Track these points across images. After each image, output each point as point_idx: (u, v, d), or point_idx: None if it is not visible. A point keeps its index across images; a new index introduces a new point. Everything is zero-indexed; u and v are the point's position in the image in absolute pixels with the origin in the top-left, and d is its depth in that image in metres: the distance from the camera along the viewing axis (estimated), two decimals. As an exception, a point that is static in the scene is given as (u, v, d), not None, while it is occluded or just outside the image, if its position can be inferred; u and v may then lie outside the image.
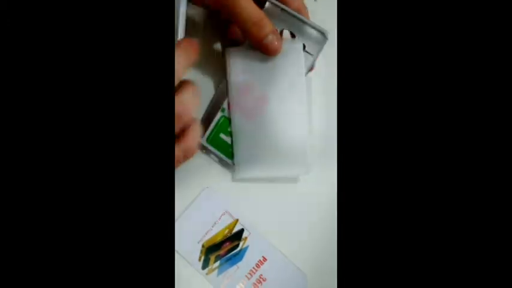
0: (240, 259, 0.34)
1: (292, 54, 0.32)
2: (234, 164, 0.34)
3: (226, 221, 0.34)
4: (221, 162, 0.35)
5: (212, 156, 0.35)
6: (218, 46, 0.37)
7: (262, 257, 0.34)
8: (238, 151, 0.33)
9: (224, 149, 0.34)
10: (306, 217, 0.34)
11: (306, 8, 0.33)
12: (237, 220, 0.34)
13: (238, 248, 0.34)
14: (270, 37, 0.30)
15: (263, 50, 0.31)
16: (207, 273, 0.33)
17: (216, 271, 0.33)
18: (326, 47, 0.32)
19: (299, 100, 0.32)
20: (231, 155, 0.34)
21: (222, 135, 0.34)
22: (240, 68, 0.33)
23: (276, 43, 0.30)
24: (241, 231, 0.34)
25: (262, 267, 0.34)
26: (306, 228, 0.34)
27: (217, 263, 0.34)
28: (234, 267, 0.34)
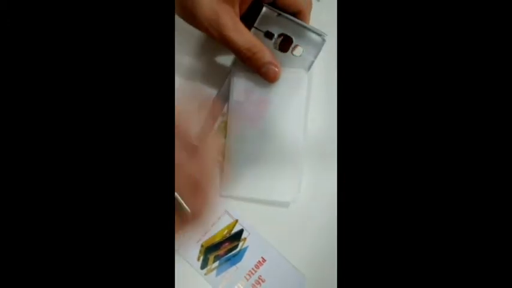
0: (239, 259, 0.34)
1: (294, 84, 0.33)
2: None
3: (226, 221, 0.34)
4: None
5: None
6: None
7: (262, 257, 0.34)
8: (230, 170, 0.33)
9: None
10: (305, 219, 0.34)
11: (311, 5, 0.33)
12: (237, 220, 0.34)
13: (238, 249, 0.34)
14: (266, 67, 0.31)
15: (262, 77, 0.32)
16: (205, 273, 0.33)
17: (214, 271, 0.33)
18: (327, 47, 0.32)
19: (296, 127, 0.33)
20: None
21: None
22: (242, 88, 0.33)
23: (274, 71, 0.31)
24: (241, 231, 0.34)
25: (261, 268, 0.33)
26: (306, 230, 0.34)
27: (216, 263, 0.34)
28: (233, 267, 0.34)
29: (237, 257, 0.34)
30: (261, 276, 0.33)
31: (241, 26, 0.30)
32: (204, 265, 0.33)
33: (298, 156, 0.33)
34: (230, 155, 0.33)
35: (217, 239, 0.34)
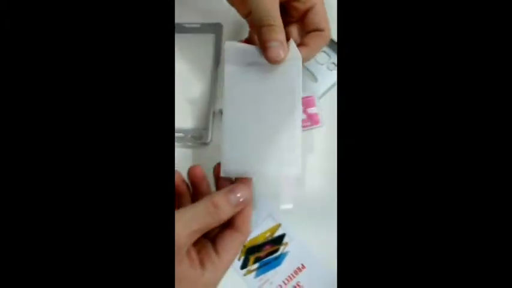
0: (279, 264, 0.34)
1: (292, 68, 0.31)
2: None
3: (269, 223, 0.35)
4: None
5: None
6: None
7: (301, 264, 0.34)
8: (227, 145, 0.31)
9: None
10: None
11: (327, 21, 0.33)
12: (280, 224, 0.35)
13: (278, 252, 0.34)
14: (275, 44, 0.29)
15: (265, 53, 0.30)
16: (244, 274, 0.34)
17: (254, 273, 0.34)
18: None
19: (293, 103, 0.31)
20: None
21: None
22: (238, 61, 0.31)
23: (279, 52, 0.29)
24: (283, 236, 0.34)
25: (300, 274, 0.34)
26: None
27: (256, 265, 0.34)
28: (272, 271, 0.34)
29: (277, 261, 0.34)
30: (299, 283, 0.33)
31: (276, 0, 0.30)
32: (244, 265, 0.34)
33: (296, 130, 0.31)
34: (226, 132, 0.31)
35: (259, 241, 0.34)
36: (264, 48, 0.30)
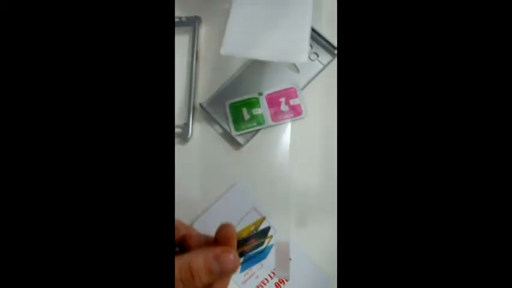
0: (265, 257, 0.34)
1: None
2: (231, 132, 0.37)
3: (253, 217, 0.34)
4: (223, 133, 0.38)
5: (216, 127, 0.38)
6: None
7: (287, 256, 0.34)
8: (232, 24, 0.30)
9: (234, 119, 0.37)
10: (332, 219, 0.34)
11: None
12: (264, 217, 0.34)
13: (263, 246, 0.34)
14: None
15: None
16: (230, 269, 0.33)
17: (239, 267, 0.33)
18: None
19: None
20: (235, 127, 0.37)
21: (244, 111, 0.36)
22: None
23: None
24: (268, 229, 0.34)
25: (286, 267, 0.33)
26: (333, 230, 0.34)
27: (241, 259, 0.33)
28: (258, 265, 0.34)
29: (263, 255, 0.34)
30: (285, 275, 0.33)
31: None
32: (229, 260, 0.33)
33: (306, 12, 0.29)
34: (234, 12, 0.30)
35: (244, 235, 0.34)
36: None
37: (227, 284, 0.25)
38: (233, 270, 0.24)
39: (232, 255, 0.24)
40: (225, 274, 0.24)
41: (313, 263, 0.34)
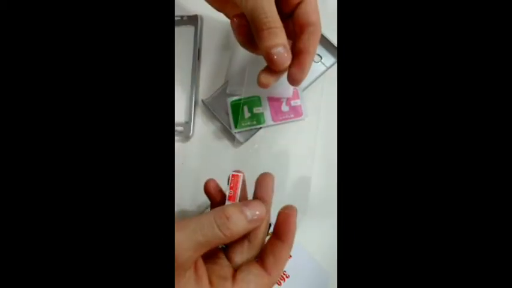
0: (265, 254, 0.34)
1: None
2: (230, 129, 0.38)
3: (255, 215, 0.35)
4: (223, 130, 0.38)
5: (217, 124, 0.39)
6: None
7: (287, 253, 0.34)
8: (233, 69, 0.38)
9: (235, 117, 0.38)
10: (332, 217, 0.35)
11: (318, 13, 0.30)
12: (265, 215, 0.35)
13: (264, 243, 0.34)
14: (278, 49, 0.27)
15: (268, 60, 0.27)
16: (231, 266, 0.34)
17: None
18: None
19: None
20: (236, 125, 0.38)
21: (245, 109, 0.37)
22: None
23: (284, 57, 0.27)
24: (269, 226, 0.35)
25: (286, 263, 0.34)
26: (332, 228, 0.35)
27: (243, 256, 0.34)
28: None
29: (263, 251, 0.34)
30: (285, 271, 0.34)
31: (273, 3, 0.27)
32: (230, 257, 0.34)
33: None
34: (234, 59, 0.37)
35: (245, 232, 0.34)
36: (267, 55, 0.27)
37: (280, 259, 0.26)
38: (261, 218, 0.25)
39: (259, 202, 0.25)
40: (256, 220, 0.25)
41: (313, 259, 0.34)
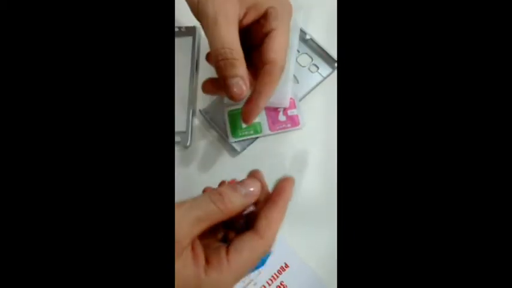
0: (262, 264, 0.34)
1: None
2: (228, 139, 0.38)
3: (252, 224, 0.35)
4: (221, 139, 0.39)
5: (214, 133, 0.39)
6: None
7: (285, 263, 0.34)
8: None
9: (232, 126, 0.38)
10: (331, 228, 0.35)
11: (282, 50, 0.29)
12: (262, 225, 0.35)
13: (262, 253, 0.34)
14: (236, 80, 0.26)
15: (225, 90, 0.27)
16: (228, 276, 0.33)
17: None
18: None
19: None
20: (233, 134, 0.38)
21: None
22: None
23: (241, 88, 0.26)
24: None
25: (284, 273, 0.34)
26: (331, 239, 0.35)
27: (240, 266, 0.34)
28: (256, 272, 0.34)
29: (261, 262, 0.34)
30: (282, 282, 0.34)
31: (233, 28, 0.26)
32: (227, 267, 0.34)
33: (289, 67, 0.37)
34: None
35: (242, 242, 0.34)
36: (224, 84, 0.27)
37: (273, 221, 0.25)
38: (256, 193, 0.25)
39: (252, 179, 0.25)
40: (250, 195, 0.24)
41: (310, 268, 0.34)
